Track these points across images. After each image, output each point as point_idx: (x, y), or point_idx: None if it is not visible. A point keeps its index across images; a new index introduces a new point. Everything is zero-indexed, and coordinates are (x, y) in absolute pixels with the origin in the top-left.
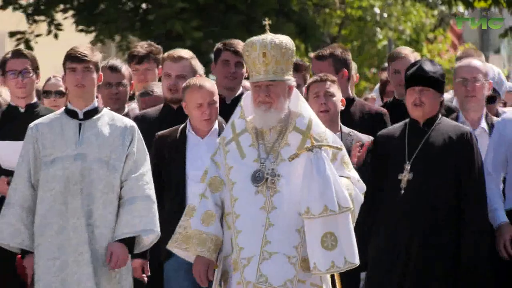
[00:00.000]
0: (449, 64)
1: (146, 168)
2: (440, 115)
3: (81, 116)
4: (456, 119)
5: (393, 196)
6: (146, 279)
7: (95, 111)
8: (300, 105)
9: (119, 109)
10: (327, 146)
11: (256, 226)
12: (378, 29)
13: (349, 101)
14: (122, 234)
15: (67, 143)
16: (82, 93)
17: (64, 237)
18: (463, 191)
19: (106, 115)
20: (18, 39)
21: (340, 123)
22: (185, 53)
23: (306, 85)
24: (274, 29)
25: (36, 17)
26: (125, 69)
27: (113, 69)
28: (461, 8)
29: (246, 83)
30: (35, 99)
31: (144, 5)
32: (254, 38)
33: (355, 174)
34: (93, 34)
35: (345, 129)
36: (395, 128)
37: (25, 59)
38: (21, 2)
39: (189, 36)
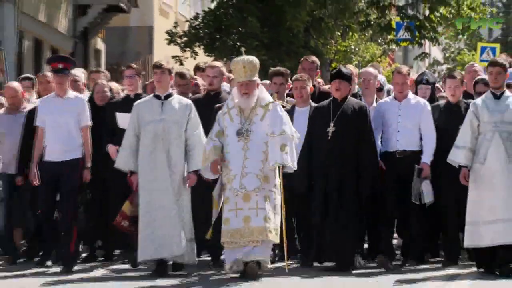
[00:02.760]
0: (386, 74)
1: (200, 129)
2: (349, 96)
3: (162, 98)
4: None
5: (323, 142)
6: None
7: (170, 95)
8: (263, 93)
9: (183, 94)
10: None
11: (238, 158)
12: (353, 56)
13: (313, 86)
14: (195, 168)
15: (155, 112)
16: (160, 85)
17: (154, 164)
18: (362, 137)
19: (176, 97)
20: (176, 60)
21: (310, 101)
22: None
23: (292, 80)
24: (299, 56)
25: (185, 49)
26: (189, 74)
27: (182, 75)
28: (394, 46)
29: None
30: (140, 91)
31: (238, 43)
32: (238, 58)
33: (293, 128)
34: (212, 58)
35: (313, 104)
36: (324, 103)
37: (133, 69)
38: (178, 41)
39: (260, 60)
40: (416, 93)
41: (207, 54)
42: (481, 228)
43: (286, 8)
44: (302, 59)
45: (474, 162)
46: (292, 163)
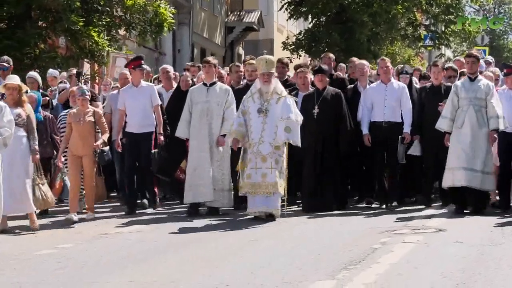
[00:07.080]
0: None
1: (234, 106)
2: (327, 86)
3: (208, 85)
4: (356, 86)
5: (311, 120)
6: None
7: (214, 83)
8: (278, 84)
9: (236, 83)
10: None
11: (257, 130)
12: (397, 56)
13: (331, 75)
14: (223, 133)
15: (202, 96)
16: (207, 76)
17: (199, 131)
18: (339, 115)
19: (218, 84)
20: (284, 47)
21: (310, 86)
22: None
23: (296, 72)
24: (364, 58)
25: (293, 53)
26: (242, 67)
27: (238, 66)
28: (422, 49)
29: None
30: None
31: (326, 49)
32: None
33: (298, 111)
34: (310, 58)
35: (311, 88)
36: (310, 91)
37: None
38: (288, 48)
39: (340, 61)
40: (398, 80)
41: (306, 55)
42: (455, 172)
43: (356, 27)
44: (323, 55)
45: (454, 127)
46: (295, 140)
